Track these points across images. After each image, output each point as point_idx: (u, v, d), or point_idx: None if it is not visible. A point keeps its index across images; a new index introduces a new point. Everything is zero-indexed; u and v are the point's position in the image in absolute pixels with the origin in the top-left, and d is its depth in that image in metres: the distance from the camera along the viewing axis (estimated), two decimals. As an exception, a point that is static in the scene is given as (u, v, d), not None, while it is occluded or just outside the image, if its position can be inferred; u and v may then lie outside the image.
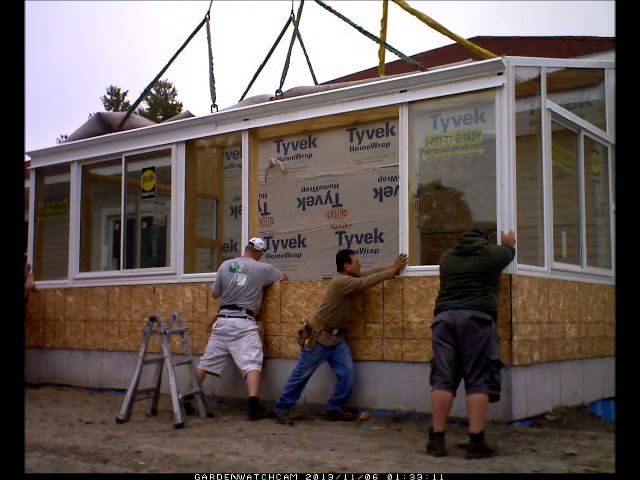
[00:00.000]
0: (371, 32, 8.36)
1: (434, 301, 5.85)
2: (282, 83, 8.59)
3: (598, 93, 8.77)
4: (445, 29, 8.13)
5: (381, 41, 8.65)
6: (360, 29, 8.30)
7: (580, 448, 5.39)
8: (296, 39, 9.15)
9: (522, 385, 6.49)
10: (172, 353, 7.15)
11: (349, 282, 6.94)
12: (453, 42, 9.08)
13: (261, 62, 9.47)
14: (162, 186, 9.35)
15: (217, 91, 9.22)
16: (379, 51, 9.09)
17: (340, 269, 7.19)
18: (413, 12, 8.32)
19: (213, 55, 9.46)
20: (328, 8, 8.65)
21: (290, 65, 8.85)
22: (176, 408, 6.66)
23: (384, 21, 8.92)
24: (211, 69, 9.39)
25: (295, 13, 9.20)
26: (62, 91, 63.34)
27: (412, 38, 18.29)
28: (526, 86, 7.12)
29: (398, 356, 6.94)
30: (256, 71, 9.57)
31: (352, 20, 8.38)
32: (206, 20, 9.52)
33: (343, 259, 7.21)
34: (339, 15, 8.48)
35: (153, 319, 7.21)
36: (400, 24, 9.22)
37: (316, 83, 10.00)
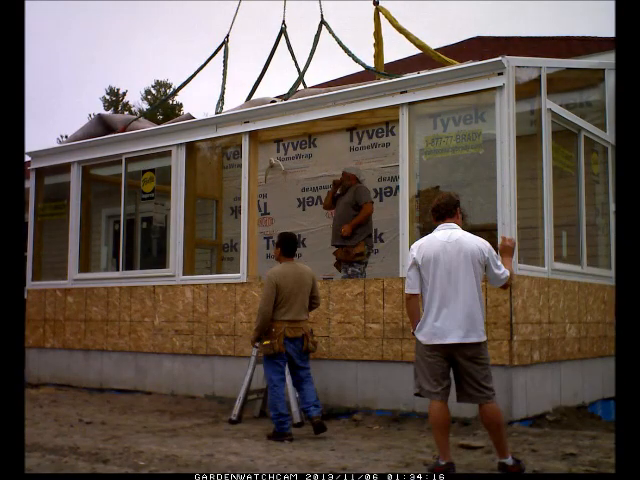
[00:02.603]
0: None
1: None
2: (289, 93, 8.62)
3: (598, 93, 8.77)
4: (432, 50, 8.20)
5: (370, 68, 8.64)
6: (353, 57, 8.39)
7: (580, 448, 5.39)
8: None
9: (522, 385, 6.49)
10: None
11: None
12: (453, 42, 9.10)
13: (260, 70, 9.54)
14: (162, 186, 9.35)
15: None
16: (376, 65, 9.08)
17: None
18: (401, 30, 8.36)
19: (227, 78, 9.51)
20: (332, 34, 8.74)
21: (301, 75, 8.95)
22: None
23: (377, 34, 8.93)
24: (222, 91, 9.42)
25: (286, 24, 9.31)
26: (62, 91, 63.30)
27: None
28: (526, 86, 7.11)
29: (398, 356, 6.94)
30: (255, 81, 9.61)
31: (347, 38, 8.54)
32: (224, 43, 9.58)
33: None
34: (338, 41, 8.57)
35: None
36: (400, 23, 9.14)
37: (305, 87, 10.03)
